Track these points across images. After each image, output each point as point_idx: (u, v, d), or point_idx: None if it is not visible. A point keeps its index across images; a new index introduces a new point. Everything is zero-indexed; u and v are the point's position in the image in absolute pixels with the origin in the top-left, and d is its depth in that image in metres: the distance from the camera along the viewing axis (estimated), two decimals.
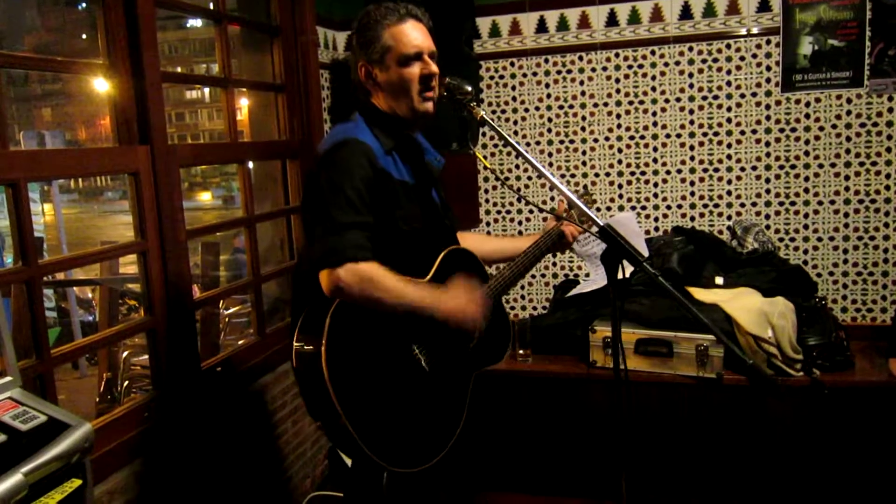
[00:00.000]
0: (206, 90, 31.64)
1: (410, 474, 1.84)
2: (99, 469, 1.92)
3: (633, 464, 3.01)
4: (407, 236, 1.92)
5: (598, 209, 3.61)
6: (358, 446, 1.72)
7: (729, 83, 3.39)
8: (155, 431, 2.25)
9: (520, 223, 3.76)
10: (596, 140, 3.59)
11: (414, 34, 1.91)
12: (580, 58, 3.55)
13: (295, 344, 1.82)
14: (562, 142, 3.63)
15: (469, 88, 1.93)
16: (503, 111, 3.69)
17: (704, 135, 3.45)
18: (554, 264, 3.74)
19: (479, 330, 1.96)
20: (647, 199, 3.57)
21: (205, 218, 19.44)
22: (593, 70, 3.54)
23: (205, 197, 29.36)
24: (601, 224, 1.63)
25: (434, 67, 1.93)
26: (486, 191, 3.78)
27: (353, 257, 1.72)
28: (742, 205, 3.46)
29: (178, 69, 29.07)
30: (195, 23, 31.70)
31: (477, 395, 2.08)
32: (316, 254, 1.77)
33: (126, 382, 4.33)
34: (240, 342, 4.19)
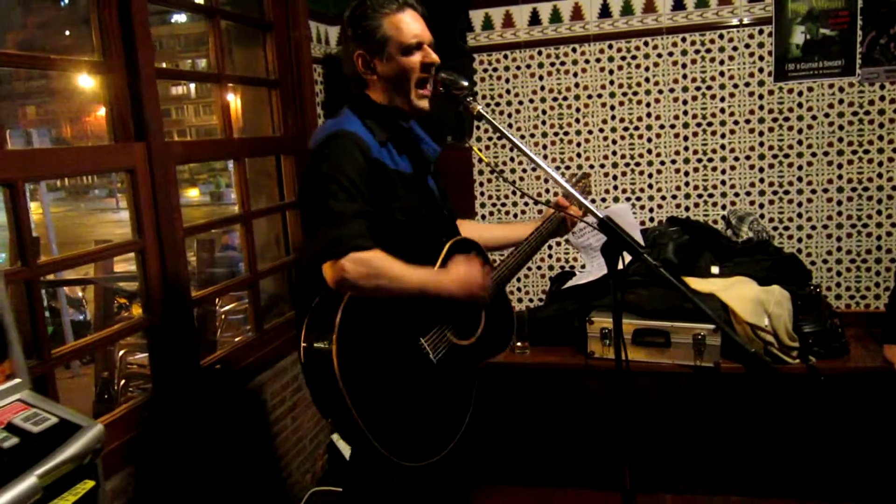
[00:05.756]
0: (192, 85, 31.41)
1: (419, 468, 1.84)
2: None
3: (632, 453, 3.03)
4: (404, 227, 1.91)
5: (594, 200, 3.62)
6: (369, 442, 1.72)
7: (722, 73, 3.40)
8: (155, 430, 2.25)
9: (515, 216, 3.76)
10: (590, 132, 3.59)
11: (414, 24, 1.90)
12: (573, 50, 3.55)
13: (303, 342, 1.80)
14: (556, 134, 3.64)
15: (465, 83, 1.90)
16: (497, 104, 3.68)
17: (698, 125, 3.46)
18: (550, 256, 3.75)
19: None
20: (641, 190, 3.58)
21: (194, 215, 19.28)
22: (587, 62, 3.54)
23: (192, 193, 29.12)
24: (600, 216, 1.63)
25: (434, 56, 1.92)
26: (482, 184, 3.77)
27: (357, 246, 1.70)
28: (736, 194, 3.48)
29: (164, 64, 28.85)
30: (180, 18, 31.45)
31: (482, 386, 2.09)
32: (317, 247, 1.74)
33: (123, 381, 4.30)
34: (236, 339, 4.17)
